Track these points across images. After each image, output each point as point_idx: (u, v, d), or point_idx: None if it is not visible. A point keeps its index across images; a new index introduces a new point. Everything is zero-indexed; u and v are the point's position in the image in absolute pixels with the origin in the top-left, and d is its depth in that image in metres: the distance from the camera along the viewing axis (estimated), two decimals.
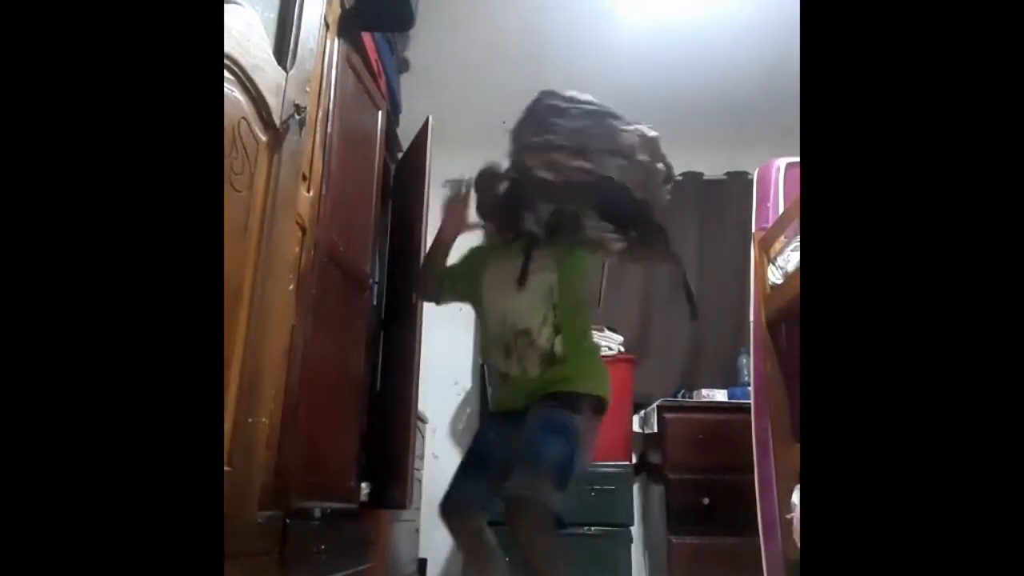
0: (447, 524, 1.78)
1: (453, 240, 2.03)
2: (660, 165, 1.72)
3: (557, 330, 1.77)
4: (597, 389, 1.78)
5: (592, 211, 1.72)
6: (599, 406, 1.78)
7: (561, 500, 1.58)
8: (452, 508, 1.77)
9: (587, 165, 1.67)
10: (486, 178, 1.90)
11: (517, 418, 1.74)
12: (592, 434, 1.77)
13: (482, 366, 3.56)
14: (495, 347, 1.83)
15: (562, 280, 1.81)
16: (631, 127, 1.70)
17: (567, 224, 1.73)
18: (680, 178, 3.81)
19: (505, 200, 1.83)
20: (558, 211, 1.73)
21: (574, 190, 1.68)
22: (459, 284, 1.99)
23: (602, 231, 1.73)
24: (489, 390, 2.02)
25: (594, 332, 3.14)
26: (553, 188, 1.68)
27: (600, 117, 1.69)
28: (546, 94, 1.72)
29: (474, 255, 2.02)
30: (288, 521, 1.58)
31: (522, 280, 1.74)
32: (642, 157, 1.69)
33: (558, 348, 1.77)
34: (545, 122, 1.69)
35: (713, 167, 3.90)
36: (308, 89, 1.60)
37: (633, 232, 1.73)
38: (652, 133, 1.71)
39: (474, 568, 1.81)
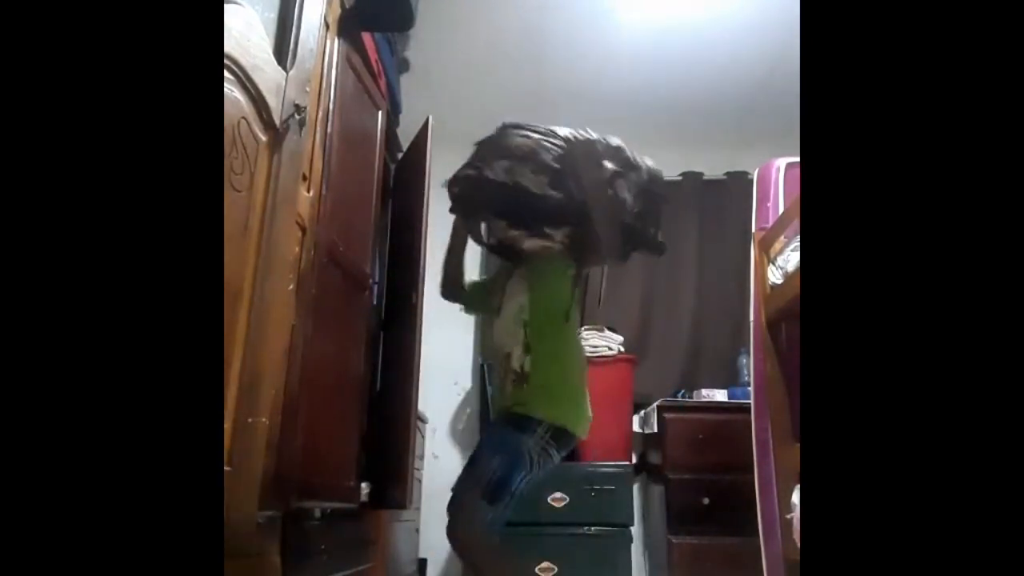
0: (457, 546, 1.76)
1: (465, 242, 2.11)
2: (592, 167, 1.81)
3: (527, 349, 1.82)
4: (557, 419, 1.78)
5: (520, 224, 1.86)
6: (559, 435, 1.78)
7: (493, 513, 1.69)
8: (474, 534, 1.75)
9: (526, 183, 1.78)
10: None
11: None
12: (546, 459, 1.77)
13: (482, 366, 3.56)
14: (492, 370, 2.00)
15: (532, 300, 1.86)
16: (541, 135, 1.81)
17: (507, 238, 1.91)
18: (680, 178, 3.85)
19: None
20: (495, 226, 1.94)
21: (511, 203, 1.81)
22: (486, 300, 2.08)
23: (541, 241, 1.86)
24: None
25: (594, 332, 3.18)
26: (499, 203, 1.85)
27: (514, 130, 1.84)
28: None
29: (487, 281, 2.19)
30: (288, 521, 1.58)
31: (496, 308, 1.92)
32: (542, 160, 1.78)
33: (526, 367, 1.81)
34: (489, 145, 1.87)
35: (713, 167, 3.90)
36: (308, 89, 1.60)
37: (557, 234, 1.84)
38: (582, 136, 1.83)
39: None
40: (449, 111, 2.87)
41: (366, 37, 2.25)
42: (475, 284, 2.17)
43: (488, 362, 1.95)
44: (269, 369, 1.42)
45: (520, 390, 1.80)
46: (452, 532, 1.71)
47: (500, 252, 2.06)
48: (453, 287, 2.11)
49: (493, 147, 1.83)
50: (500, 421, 1.86)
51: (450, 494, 1.79)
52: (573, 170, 1.76)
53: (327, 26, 1.85)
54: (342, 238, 1.95)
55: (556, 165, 1.76)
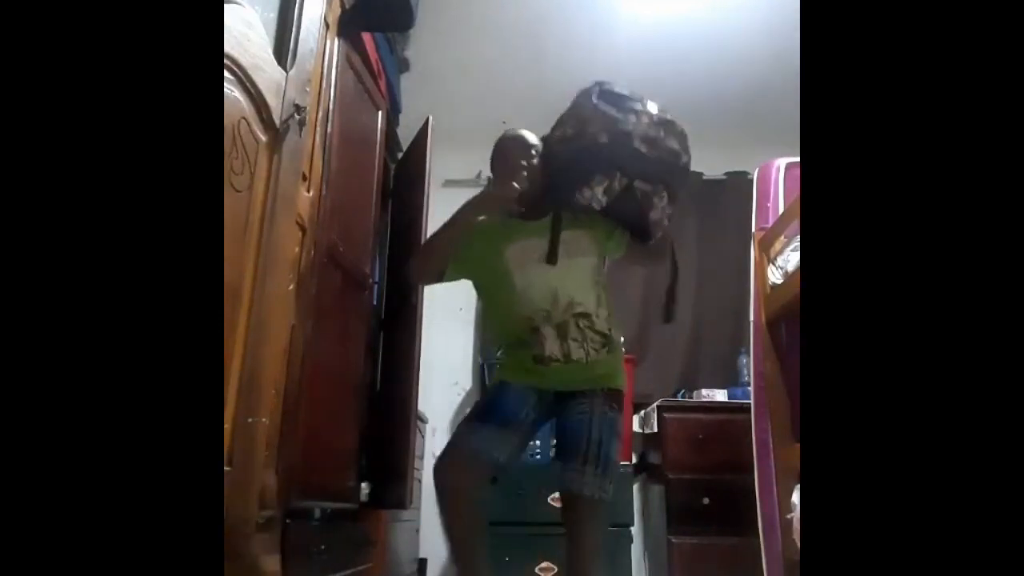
0: (447, 477, 1.64)
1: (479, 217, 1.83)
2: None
3: (610, 312, 1.75)
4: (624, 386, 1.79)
5: (663, 194, 1.75)
6: None
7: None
8: (461, 457, 1.65)
9: (677, 147, 1.74)
10: (552, 146, 1.78)
11: (554, 396, 1.73)
12: None
13: (482, 366, 3.55)
14: (543, 326, 1.68)
15: (600, 261, 1.79)
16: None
17: (636, 200, 1.73)
18: None
19: (564, 172, 1.74)
20: (631, 187, 1.73)
21: (662, 168, 1.73)
22: (470, 263, 1.80)
23: (665, 215, 1.77)
24: (507, 366, 1.82)
25: None
26: (645, 162, 1.70)
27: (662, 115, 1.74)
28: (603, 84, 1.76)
29: (486, 231, 1.82)
30: (288, 521, 1.58)
31: (552, 256, 1.70)
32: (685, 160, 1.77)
33: (615, 334, 1.74)
34: (623, 102, 1.72)
35: (713, 167, 3.89)
36: (308, 89, 1.60)
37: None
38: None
39: (461, 553, 1.65)
40: (449, 111, 2.87)
41: (366, 37, 2.25)
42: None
43: (515, 339, 1.74)
44: (269, 369, 1.42)
45: (612, 357, 1.73)
46: (583, 523, 1.64)
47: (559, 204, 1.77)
48: (440, 265, 1.80)
49: (672, 126, 1.75)
50: (599, 400, 1.69)
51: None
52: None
53: (327, 26, 1.85)
54: (342, 238, 1.95)
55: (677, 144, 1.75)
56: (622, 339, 1.84)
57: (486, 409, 1.75)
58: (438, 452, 1.75)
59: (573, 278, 1.72)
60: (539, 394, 1.74)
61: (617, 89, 1.75)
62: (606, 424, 1.67)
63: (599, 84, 1.75)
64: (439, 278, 1.84)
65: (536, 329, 1.69)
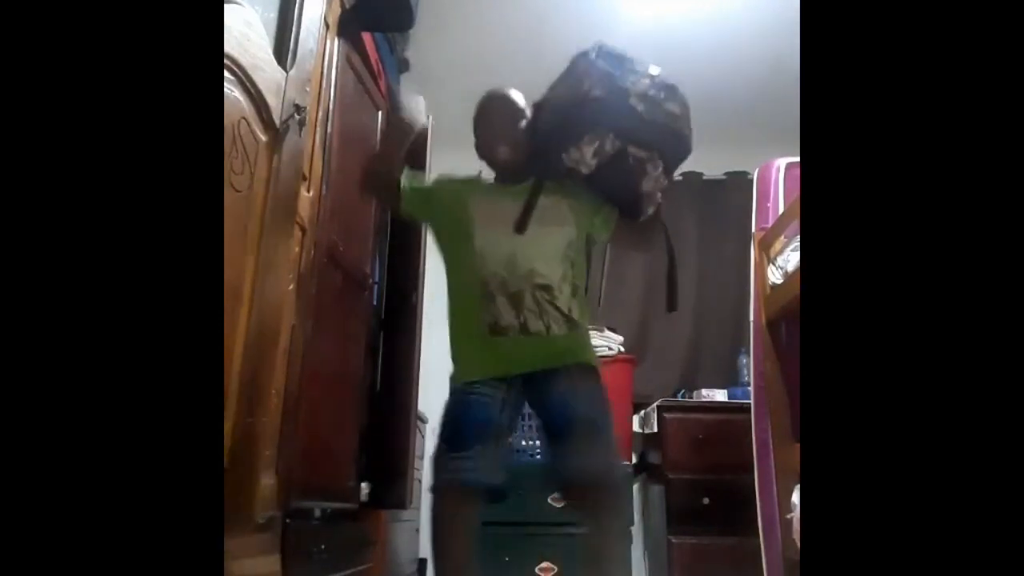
0: (445, 513, 1.49)
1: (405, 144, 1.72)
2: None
3: (575, 291, 1.59)
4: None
5: (657, 162, 1.59)
6: None
7: None
8: (454, 495, 1.49)
9: (677, 111, 1.60)
10: (542, 107, 1.64)
11: (523, 383, 1.56)
12: None
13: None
14: (497, 294, 1.54)
15: (579, 237, 1.64)
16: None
17: (628, 168, 1.57)
18: (679, 178, 3.85)
19: (552, 132, 1.59)
20: (623, 152, 1.56)
21: (658, 132, 1.57)
22: (431, 205, 1.70)
23: (659, 187, 1.61)
24: (461, 349, 1.65)
25: (594, 332, 3.17)
26: (641, 123, 1.55)
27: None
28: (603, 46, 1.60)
29: (454, 184, 1.72)
30: (288, 521, 1.58)
31: (522, 225, 1.54)
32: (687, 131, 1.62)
33: (575, 312, 1.57)
34: (623, 62, 1.58)
35: (713, 167, 3.90)
36: (308, 89, 1.60)
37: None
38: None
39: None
40: (449, 111, 2.87)
41: (366, 37, 2.25)
42: (415, 185, 1.71)
43: (466, 307, 1.60)
44: (269, 369, 1.42)
45: (577, 333, 1.58)
46: (602, 511, 1.47)
47: (545, 172, 1.63)
48: (387, 181, 1.67)
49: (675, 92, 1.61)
50: (579, 376, 1.55)
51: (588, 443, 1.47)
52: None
53: (327, 26, 1.85)
54: (342, 238, 1.95)
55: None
56: (588, 326, 1.69)
57: (455, 431, 1.54)
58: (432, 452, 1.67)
59: (538, 246, 1.57)
60: (506, 387, 1.55)
61: (618, 50, 1.60)
62: (588, 396, 1.53)
63: (599, 44, 1.60)
64: (396, 211, 1.75)
65: (491, 295, 1.53)
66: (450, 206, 1.65)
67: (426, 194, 1.71)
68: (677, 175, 3.84)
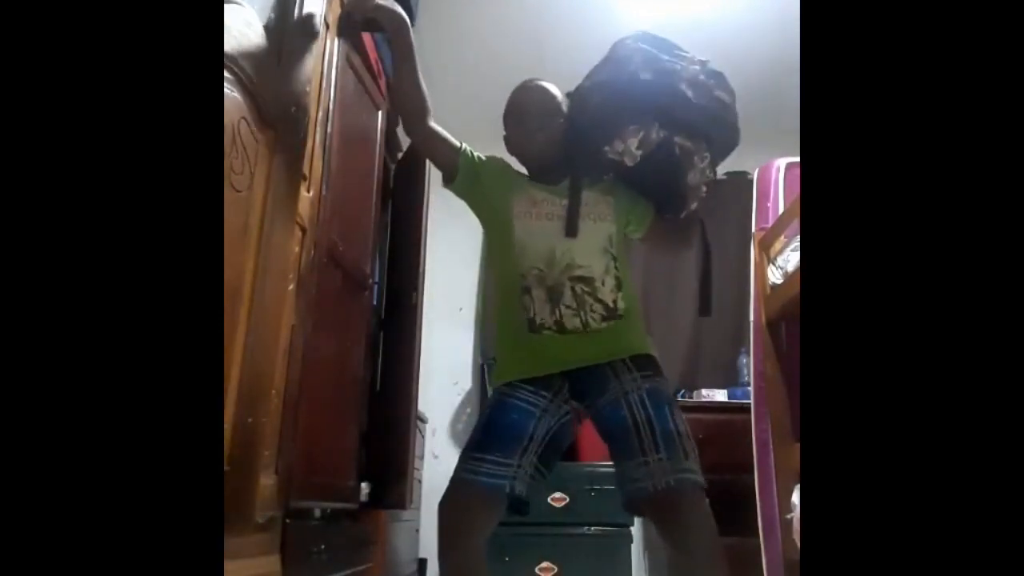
0: (454, 518, 1.44)
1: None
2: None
3: (619, 284, 1.51)
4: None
5: (705, 154, 1.50)
6: None
7: None
8: (470, 496, 1.41)
9: (728, 100, 1.52)
10: (581, 95, 1.54)
11: (569, 388, 1.47)
12: None
13: (482, 366, 3.54)
14: (534, 287, 1.47)
15: (619, 232, 1.56)
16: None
17: (674, 160, 1.47)
18: None
19: (593, 124, 1.50)
20: (669, 142, 1.46)
21: (708, 120, 1.49)
22: (479, 190, 1.62)
23: (704, 180, 1.52)
24: (503, 349, 1.58)
25: None
26: (690, 109, 1.46)
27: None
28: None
29: (505, 168, 1.64)
30: (288, 521, 1.58)
31: (572, 228, 1.47)
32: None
33: (620, 305, 1.49)
34: (669, 47, 1.49)
35: None
36: (308, 89, 1.60)
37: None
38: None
39: None
40: (449, 111, 2.87)
41: (366, 37, 2.25)
42: (469, 158, 1.64)
43: (523, 273, 1.50)
44: (269, 369, 1.42)
45: (622, 323, 1.49)
46: (691, 517, 1.32)
47: (589, 166, 1.55)
48: (419, 109, 1.64)
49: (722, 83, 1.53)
50: (640, 374, 1.43)
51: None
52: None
53: (327, 26, 1.84)
54: (342, 238, 1.95)
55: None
56: (638, 320, 1.59)
57: (487, 432, 1.46)
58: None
59: (578, 240, 1.49)
60: (550, 393, 1.46)
61: (661, 36, 1.52)
62: (648, 397, 1.39)
63: (639, 31, 1.52)
64: (449, 179, 1.65)
65: (527, 289, 1.47)
66: (493, 194, 1.58)
67: (476, 173, 1.62)
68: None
